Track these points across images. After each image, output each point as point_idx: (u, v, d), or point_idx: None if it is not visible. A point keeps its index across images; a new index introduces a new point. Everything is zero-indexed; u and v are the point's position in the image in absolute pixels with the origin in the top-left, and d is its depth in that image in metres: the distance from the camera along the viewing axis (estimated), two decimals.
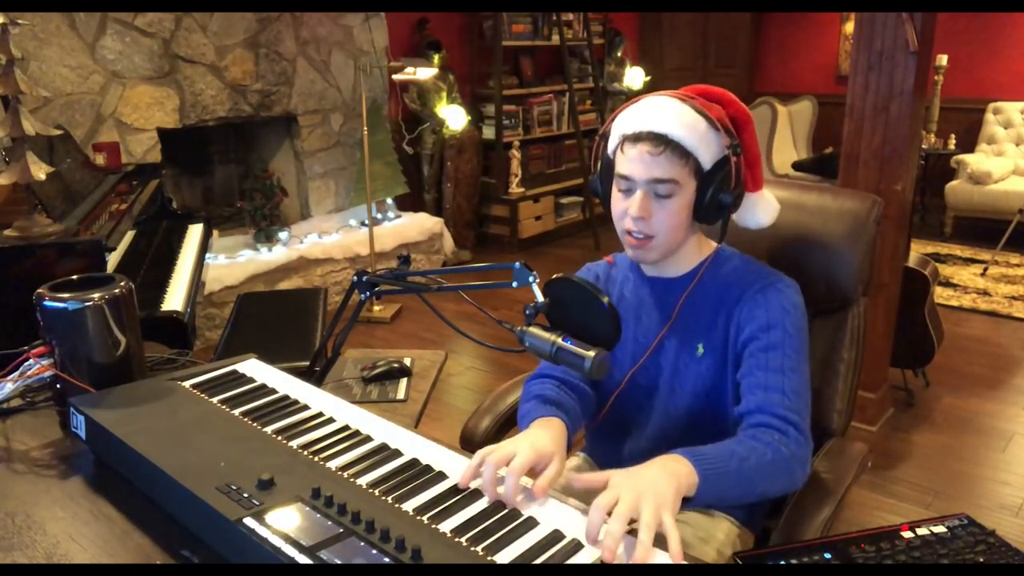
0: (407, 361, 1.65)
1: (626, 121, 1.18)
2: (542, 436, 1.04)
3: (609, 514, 0.85)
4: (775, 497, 1.14)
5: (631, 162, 1.16)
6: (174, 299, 2.17)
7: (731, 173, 1.17)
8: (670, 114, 1.15)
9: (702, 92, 1.21)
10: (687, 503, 0.96)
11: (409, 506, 0.87)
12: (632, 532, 0.85)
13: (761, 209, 1.26)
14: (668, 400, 1.27)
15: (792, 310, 1.18)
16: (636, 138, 1.16)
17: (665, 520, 0.84)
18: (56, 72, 3.30)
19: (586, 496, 1.34)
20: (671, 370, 1.26)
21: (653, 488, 0.88)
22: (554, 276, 1.03)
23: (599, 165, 1.27)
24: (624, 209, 1.19)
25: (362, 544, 0.78)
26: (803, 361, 1.17)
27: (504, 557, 0.80)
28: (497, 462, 0.93)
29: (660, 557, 0.82)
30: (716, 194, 1.17)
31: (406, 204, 4.90)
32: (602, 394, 1.33)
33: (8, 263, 1.81)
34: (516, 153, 5.27)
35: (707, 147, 1.15)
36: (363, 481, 0.92)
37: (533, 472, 0.97)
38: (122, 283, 1.17)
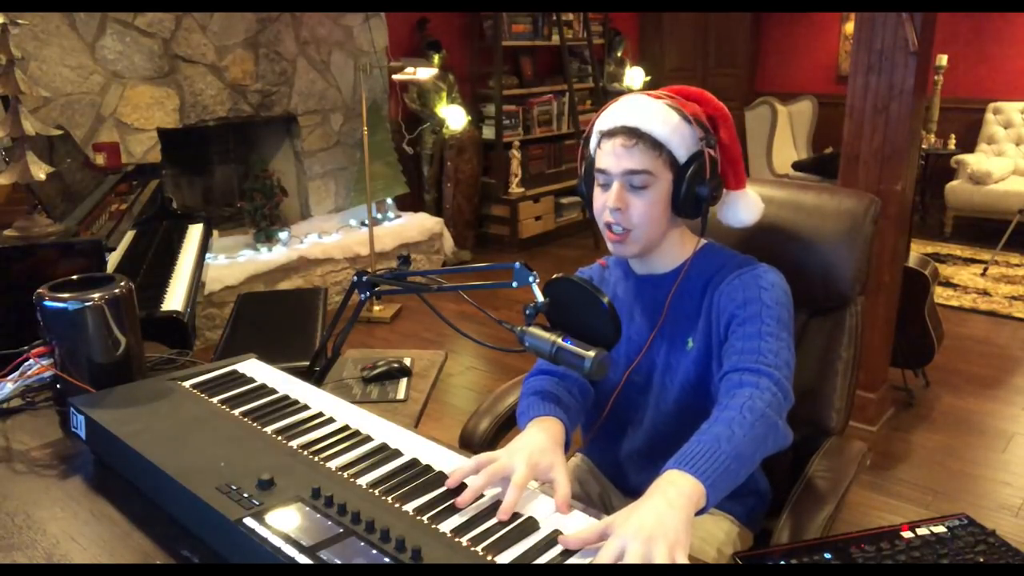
0: (407, 361, 1.65)
1: (603, 119, 1.22)
2: (539, 446, 1.01)
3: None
4: (770, 455, 1.07)
5: (606, 156, 1.20)
6: (174, 299, 2.17)
7: (706, 165, 1.19)
8: (643, 109, 1.19)
9: (679, 92, 1.25)
10: (700, 512, 0.91)
11: (409, 506, 0.87)
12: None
13: (743, 207, 1.28)
14: (659, 396, 1.28)
15: (770, 288, 1.18)
16: (611, 133, 1.19)
17: (679, 561, 0.81)
18: (56, 72, 3.30)
19: (587, 498, 1.34)
20: (663, 366, 1.27)
21: (661, 528, 0.82)
22: (554, 276, 1.03)
23: (584, 168, 1.30)
24: (603, 203, 1.21)
25: (362, 544, 0.78)
26: (784, 330, 1.14)
27: (504, 557, 0.80)
28: (492, 475, 0.92)
29: None
30: (692, 186, 1.19)
31: (406, 204, 4.90)
32: (600, 395, 1.33)
33: (8, 263, 1.81)
34: (516, 153, 5.27)
35: (681, 140, 1.18)
36: (363, 481, 0.92)
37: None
38: (122, 283, 1.17)
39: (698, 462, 0.93)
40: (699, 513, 0.90)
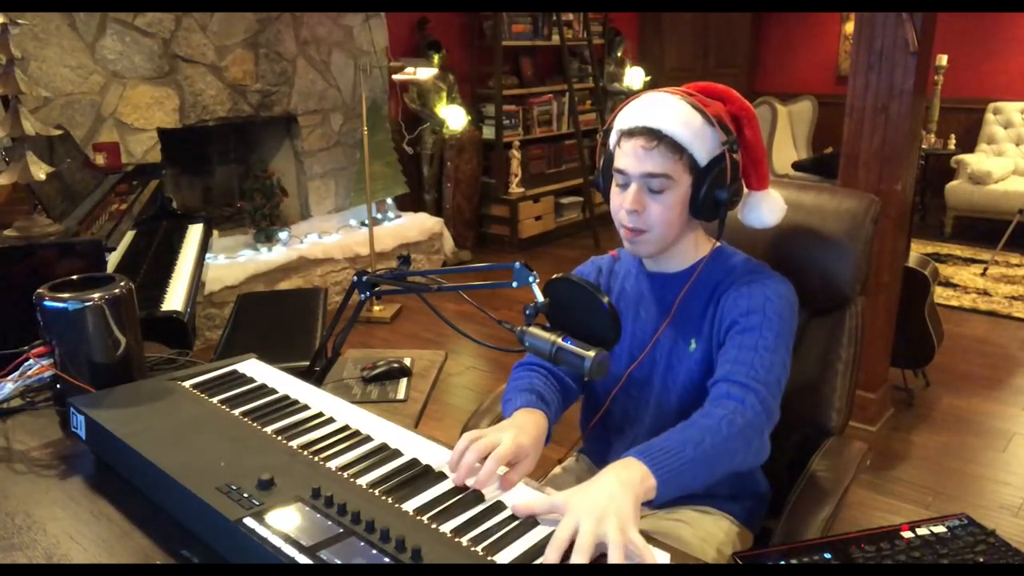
0: (407, 361, 1.65)
1: (624, 117, 1.20)
2: (525, 429, 1.06)
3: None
4: (739, 471, 1.09)
5: (626, 156, 1.18)
6: (174, 299, 2.17)
7: (727, 169, 1.18)
8: (665, 110, 1.16)
9: (703, 89, 1.22)
10: (649, 504, 0.94)
11: (409, 506, 0.87)
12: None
13: (766, 208, 1.27)
14: (661, 395, 1.28)
15: (776, 299, 1.18)
16: (631, 133, 1.18)
17: (633, 538, 0.82)
18: (56, 72, 3.30)
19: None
20: (665, 365, 1.27)
21: (613, 505, 0.85)
22: (554, 276, 1.03)
23: (602, 162, 1.28)
24: (620, 203, 1.21)
25: (362, 544, 0.78)
26: (782, 346, 1.15)
27: (504, 557, 0.80)
28: (481, 450, 0.95)
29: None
30: (711, 190, 1.18)
31: (406, 204, 4.90)
32: (599, 390, 1.34)
33: (8, 263, 1.81)
34: (516, 153, 5.27)
35: (703, 143, 1.16)
36: (363, 481, 0.92)
37: (508, 462, 0.99)
38: (122, 283, 1.17)
39: (658, 457, 0.96)
40: (647, 505, 0.93)
